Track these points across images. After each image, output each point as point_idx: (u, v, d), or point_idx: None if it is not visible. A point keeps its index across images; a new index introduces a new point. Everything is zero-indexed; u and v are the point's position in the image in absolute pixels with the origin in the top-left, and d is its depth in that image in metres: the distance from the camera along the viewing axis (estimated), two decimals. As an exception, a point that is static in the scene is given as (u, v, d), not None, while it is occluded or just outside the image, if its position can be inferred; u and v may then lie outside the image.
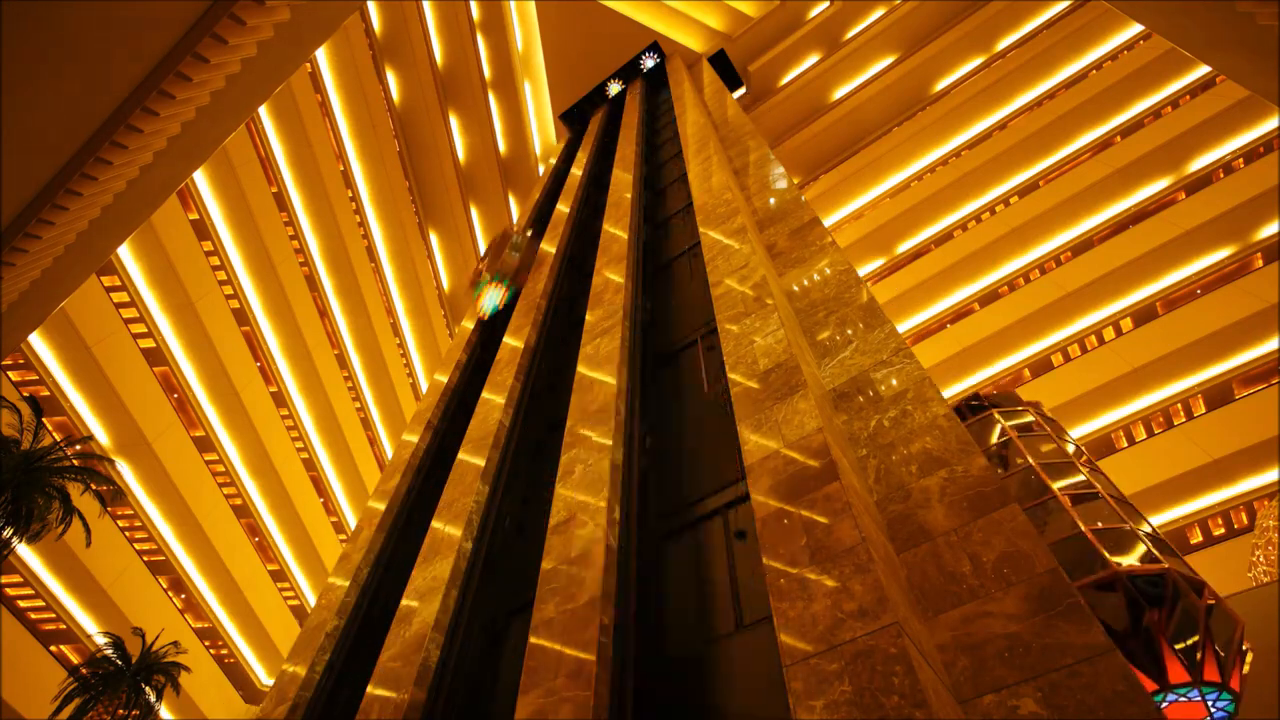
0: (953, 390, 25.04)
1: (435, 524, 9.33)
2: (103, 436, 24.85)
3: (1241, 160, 22.59)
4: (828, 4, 32.78)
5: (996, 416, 7.14)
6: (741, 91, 34.76)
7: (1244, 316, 19.60)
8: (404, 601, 8.25)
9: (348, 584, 9.68)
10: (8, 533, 16.70)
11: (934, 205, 28.53)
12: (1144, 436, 20.98)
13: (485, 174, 36.11)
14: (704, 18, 32.97)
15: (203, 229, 27.03)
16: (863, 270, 29.75)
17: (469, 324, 17.63)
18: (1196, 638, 5.04)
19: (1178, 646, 5.00)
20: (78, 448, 21.13)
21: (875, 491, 5.61)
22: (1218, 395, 20.18)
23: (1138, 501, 19.34)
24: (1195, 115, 23.25)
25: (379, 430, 38.81)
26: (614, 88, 34.02)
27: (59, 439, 20.78)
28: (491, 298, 15.82)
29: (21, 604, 23.82)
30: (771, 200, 12.30)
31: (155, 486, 26.59)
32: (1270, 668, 5.23)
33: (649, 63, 33.26)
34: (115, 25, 9.16)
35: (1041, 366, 23.81)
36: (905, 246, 29.28)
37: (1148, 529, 5.81)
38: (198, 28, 9.90)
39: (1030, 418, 7.11)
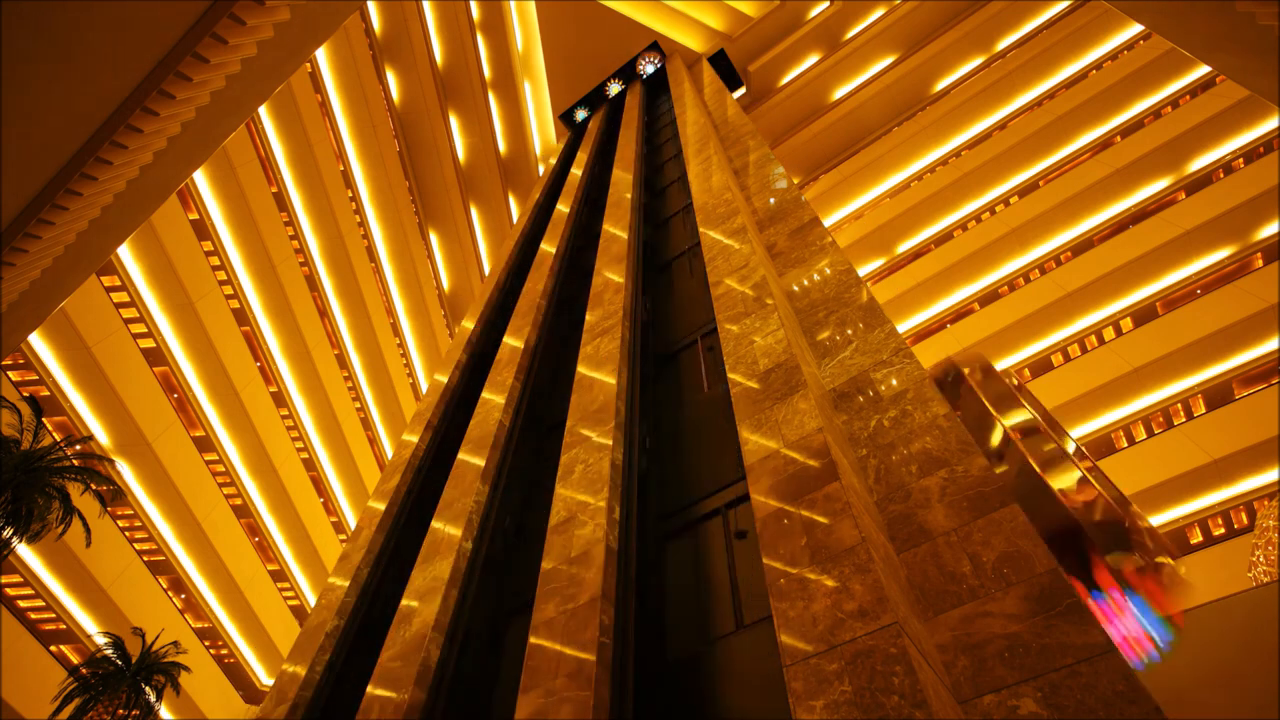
0: (953, 390, 25.02)
1: (435, 524, 9.32)
2: (103, 436, 24.84)
3: (1241, 160, 22.58)
4: (828, 4, 32.79)
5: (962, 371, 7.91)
6: (741, 91, 34.75)
7: (1244, 316, 19.59)
8: (404, 601, 8.24)
9: (348, 584, 9.68)
10: (8, 533, 16.70)
11: (934, 205, 28.51)
12: (1144, 436, 20.97)
13: (485, 174, 36.12)
14: (704, 18, 32.97)
15: (203, 229, 27.02)
16: (863, 270, 29.74)
17: (469, 324, 17.63)
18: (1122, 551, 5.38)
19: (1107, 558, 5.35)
20: (78, 448, 21.14)
21: (875, 491, 5.61)
22: (1218, 395, 20.18)
23: (1138, 501, 19.36)
24: (1195, 115, 23.24)
25: (379, 430, 38.81)
26: (614, 87, 34.02)
27: (59, 439, 20.78)
28: None
29: (21, 604, 23.83)
30: (771, 200, 12.30)
31: (155, 486, 26.58)
32: (1270, 668, 5.23)
33: (649, 63, 33.26)
34: (115, 25, 9.16)
35: (1041, 366, 23.80)
36: (905, 246, 29.27)
37: (1072, 446, 6.43)
38: (198, 28, 9.90)
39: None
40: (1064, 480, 5.96)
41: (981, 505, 4.90)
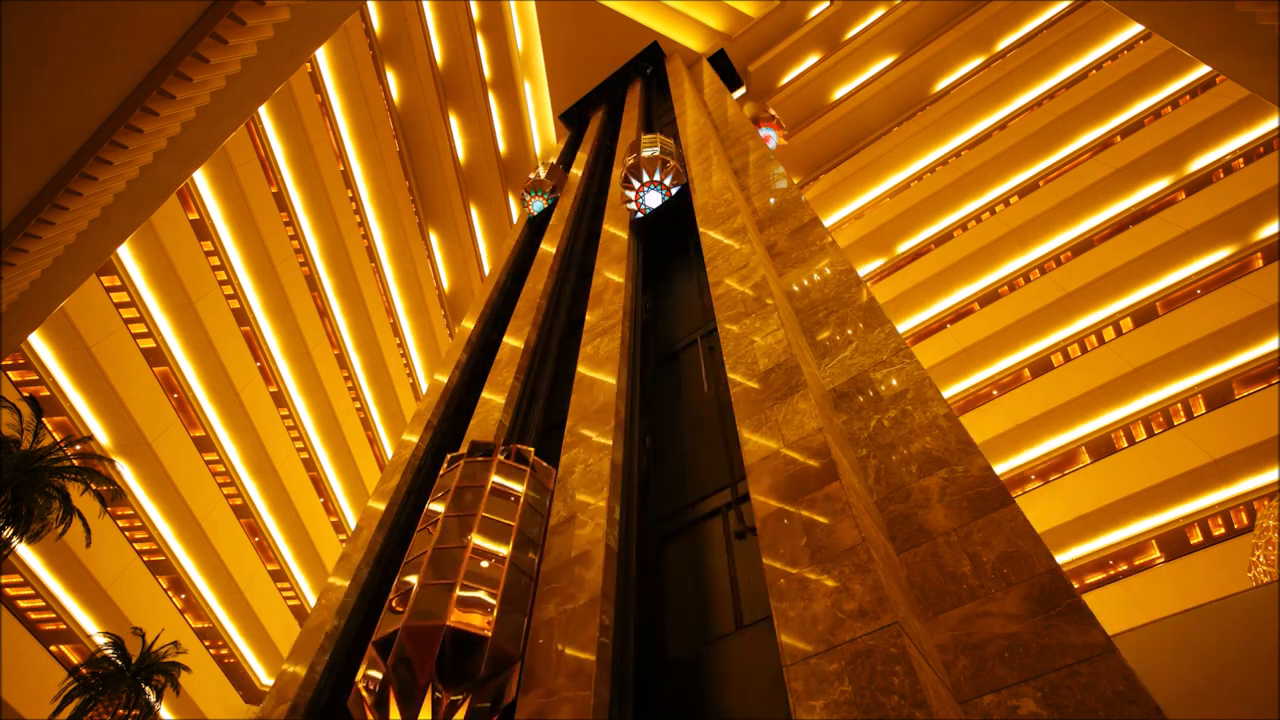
0: (952, 390, 25.02)
1: (435, 524, 9.31)
2: (103, 436, 24.84)
3: (1241, 160, 22.57)
4: (828, 4, 32.76)
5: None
6: (741, 91, 34.74)
7: (1244, 316, 19.58)
8: (404, 601, 8.23)
9: (348, 584, 9.68)
10: (8, 533, 16.68)
11: (934, 205, 28.50)
12: (1144, 436, 20.96)
13: (485, 174, 36.10)
14: (704, 18, 32.94)
15: (203, 229, 27.01)
16: (863, 270, 29.74)
17: (469, 324, 17.62)
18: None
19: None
20: (78, 448, 21.13)
21: (875, 491, 5.61)
22: (1218, 395, 20.17)
23: (1138, 501, 19.40)
24: (1195, 115, 23.23)
25: (379, 430, 38.81)
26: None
27: (59, 439, 20.77)
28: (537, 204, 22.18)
29: (21, 604, 23.82)
30: (771, 200, 12.29)
31: (155, 486, 26.58)
32: (1270, 668, 5.23)
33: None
34: (115, 25, 9.16)
35: (1041, 366, 23.80)
36: (905, 246, 29.26)
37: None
38: (198, 28, 9.91)
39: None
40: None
41: (981, 505, 4.90)
